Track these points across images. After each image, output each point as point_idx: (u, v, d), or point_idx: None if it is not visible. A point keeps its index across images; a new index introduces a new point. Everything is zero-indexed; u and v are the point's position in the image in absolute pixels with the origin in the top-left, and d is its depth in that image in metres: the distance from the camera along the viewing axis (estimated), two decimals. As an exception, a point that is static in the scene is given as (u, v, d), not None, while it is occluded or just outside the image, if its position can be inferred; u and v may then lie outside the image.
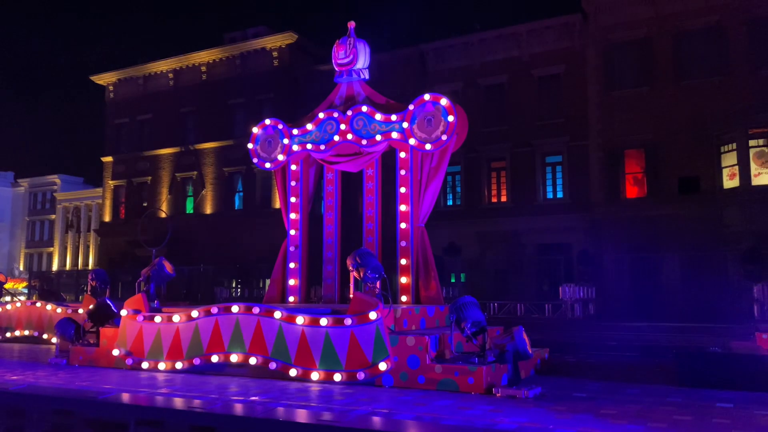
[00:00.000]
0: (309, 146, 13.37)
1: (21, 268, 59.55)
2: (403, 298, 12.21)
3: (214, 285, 33.81)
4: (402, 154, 12.55)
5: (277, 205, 33.12)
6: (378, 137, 12.56)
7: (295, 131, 13.58)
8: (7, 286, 22.67)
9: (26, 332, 17.13)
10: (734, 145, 25.42)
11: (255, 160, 14.08)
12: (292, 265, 13.64)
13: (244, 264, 33.58)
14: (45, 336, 16.66)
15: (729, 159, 25.68)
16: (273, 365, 9.99)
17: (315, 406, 7.80)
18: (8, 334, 17.44)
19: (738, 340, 13.59)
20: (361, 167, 13.32)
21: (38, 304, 17.27)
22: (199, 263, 34.40)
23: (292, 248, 13.69)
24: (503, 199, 30.89)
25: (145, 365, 11.19)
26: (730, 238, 24.73)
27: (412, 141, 12.23)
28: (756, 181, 24.87)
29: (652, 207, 26.73)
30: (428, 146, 12.13)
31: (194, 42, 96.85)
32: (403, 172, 12.50)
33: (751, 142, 25.16)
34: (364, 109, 12.74)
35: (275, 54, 36.79)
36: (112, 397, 8.49)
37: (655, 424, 6.79)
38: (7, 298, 20.32)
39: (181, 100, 39.61)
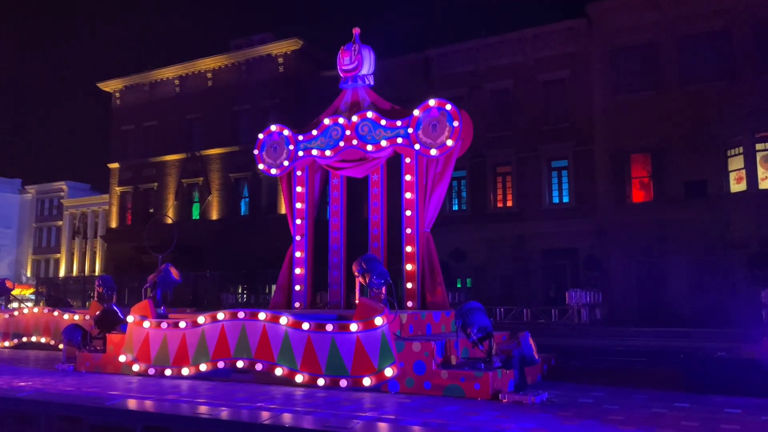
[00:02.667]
0: (314, 152, 13.39)
1: (28, 275, 59.84)
2: (409, 304, 12.19)
3: (220, 291, 33.87)
4: (407, 160, 12.56)
5: (283, 210, 33.23)
6: (383, 143, 12.56)
7: (300, 137, 13.61)
8: (15, 292, 22.78)
9: (33, 338, 17.19)
10: (741, 149, 25.34)
11: (261, 166, 14.11)
12: (297, 270, 13.64)
13: (250, 270, 33.62)
14: (52, 342, 16.72)
15: (736, 163, 25.59)
16: (279, 371, 9.99)
17: (321, 412, 7.80)
18: (15, 340, 17.50)
19: (746, 345, 13.50)
20: (367, 173, 13.33)
21: (45, 311, 17.34)
22: (205, 269, 34.47)
23: (297, 253, 13.71)
24: (509, 204, 30.87)
25: (151, 371, 11.21)
26: (738, 243, 24.61)
27: (417, 146, 12.22)
28: (763, 185, 24.79)
29: (659, 211, 26.65)
30: (433, 151, 12.12)
31: (200, 49, 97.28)
32: (408, 178, 12.51)
33: (758, 146, 25.10)
34: (369, 114, 12.75)
35: (280, 60, 36.92)
36: (118, 404, 8.51)
37: (662, 430, 6.76)
38: (15, 305, 20.39)
39: (187, 107, 39.79)
